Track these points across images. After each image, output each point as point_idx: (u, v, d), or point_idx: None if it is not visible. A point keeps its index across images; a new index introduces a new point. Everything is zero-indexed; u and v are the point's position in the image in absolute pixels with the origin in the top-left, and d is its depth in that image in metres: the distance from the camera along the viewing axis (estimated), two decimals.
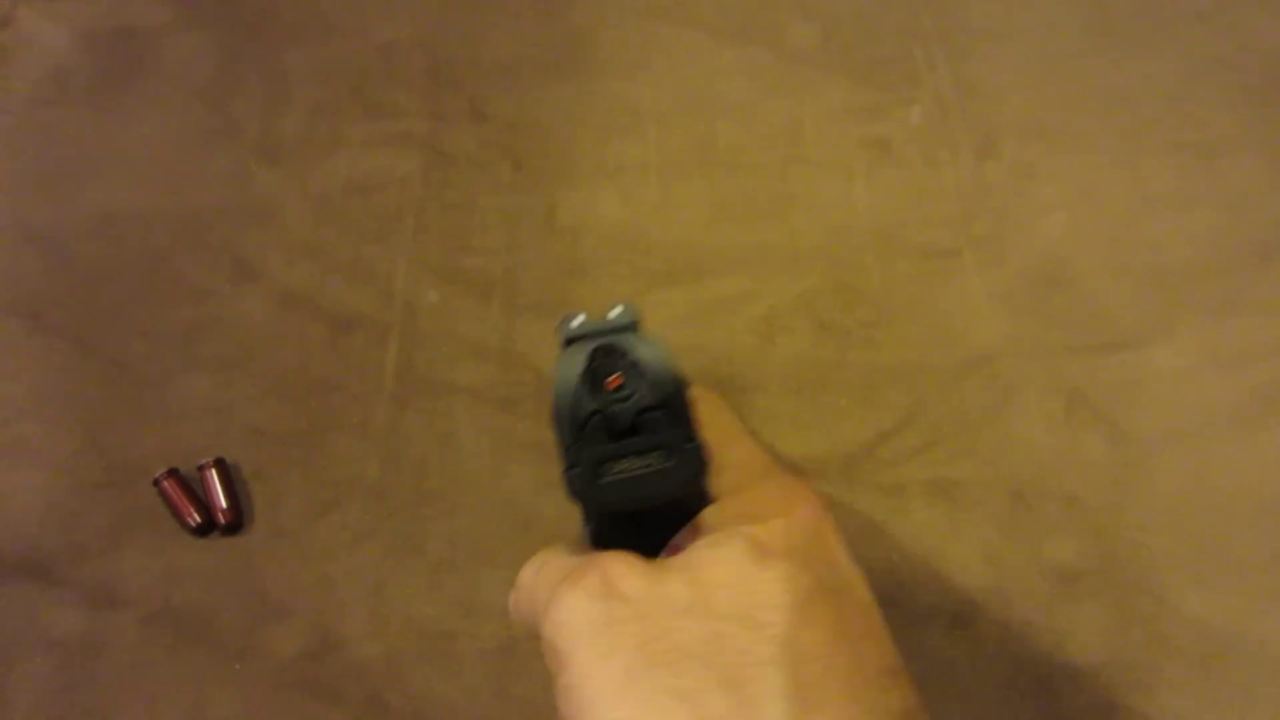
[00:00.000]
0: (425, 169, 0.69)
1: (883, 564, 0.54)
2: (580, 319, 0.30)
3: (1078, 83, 0.71)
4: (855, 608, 0.30)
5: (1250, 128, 0.68)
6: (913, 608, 0.53)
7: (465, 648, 0.53)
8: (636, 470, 0.29)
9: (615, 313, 0.30)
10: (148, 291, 0.65)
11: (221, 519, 0.56)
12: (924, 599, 0.53)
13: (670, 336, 0.33)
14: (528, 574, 0.33)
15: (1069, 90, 0.71)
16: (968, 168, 0.68)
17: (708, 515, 0.31)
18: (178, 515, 0.56)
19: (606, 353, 0.29)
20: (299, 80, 0.74)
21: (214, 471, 0.57)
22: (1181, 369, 0.59)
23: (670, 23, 0.75)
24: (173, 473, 0.57)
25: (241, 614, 0.54)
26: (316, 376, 0.61)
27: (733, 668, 0.25)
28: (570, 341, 0.30)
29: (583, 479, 0.29)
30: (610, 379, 0.29)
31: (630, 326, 0.30)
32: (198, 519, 0.56)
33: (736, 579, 0.27)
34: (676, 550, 0.30)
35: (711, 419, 0.33)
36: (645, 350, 0.29)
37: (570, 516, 0.35)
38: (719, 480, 0.33)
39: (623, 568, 0.28)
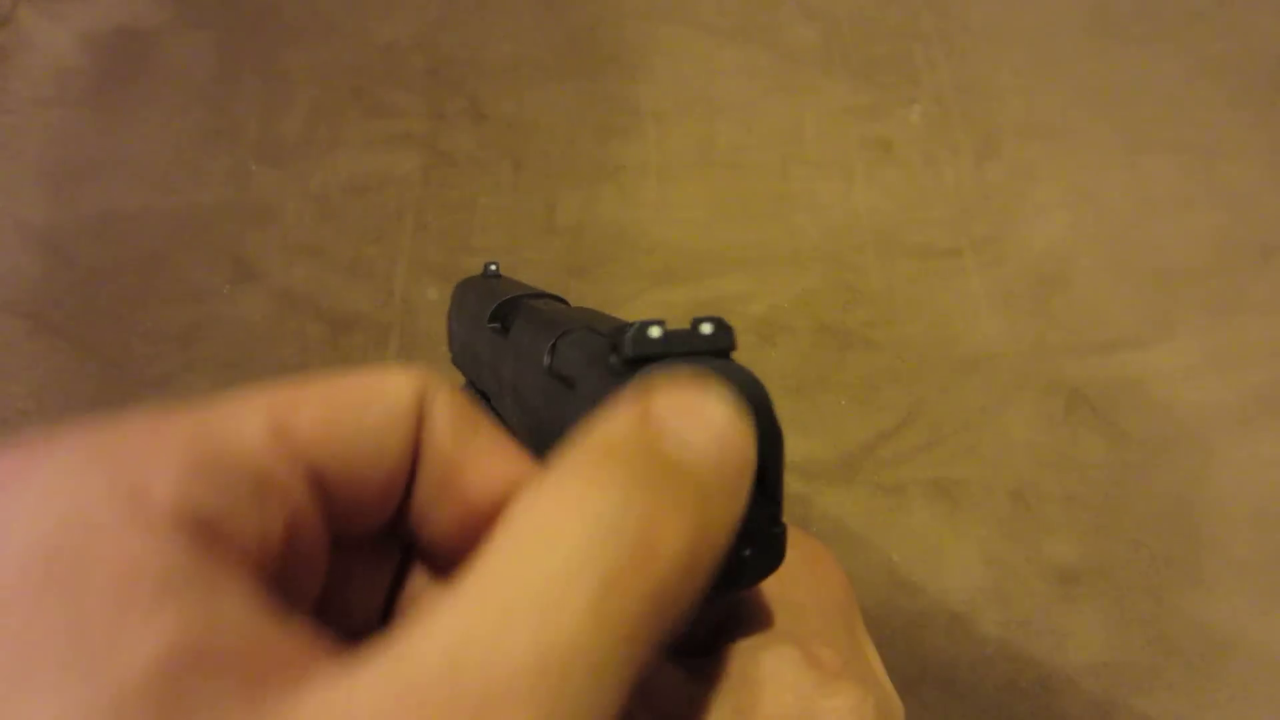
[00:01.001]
0: (425, 169, 0.69)
1: (883, 564, 0.54)
2: (658, 330, 0.19)
3: (1078, 83, 0.71)
4: None
5: (1250, 128, 0.68)
6: (913, 608, 0.53)
7: None
8: None
9: (706, 329, 0.20)
10: (148, 291, 0.65)
11: None
12: (924, 599, 0.53)
13: None
14: None
15: (1069, 90, 0.71)
16: (968, 168, 0.68)
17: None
18: None
19: None
20: (299, 80, 0.74)
21: None
22: (1181, 369, 0.59)
23: (670, 23, 0.75)
24: None
25: None
26: None
27: None
28: (636, 362, 0.19)
29: None
30: None
31: (724, 351, 0.20)
32: None
33: (798, 714, 0.23)
34: (706, 644, 0.26)
35: None
36: (750, 393, 0.19)
37: None
38: None
39: (660, 681, 0.24)
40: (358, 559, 0.18)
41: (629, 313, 0.63)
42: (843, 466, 0.57)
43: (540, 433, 0.25)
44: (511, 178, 0.68)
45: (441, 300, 0.63)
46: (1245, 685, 0.50)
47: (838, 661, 0.24)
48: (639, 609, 0.13)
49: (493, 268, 0.40)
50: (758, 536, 0.20)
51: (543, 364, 0.24)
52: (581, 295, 0.63)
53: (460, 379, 0.40)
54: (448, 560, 0.18)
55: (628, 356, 0.19)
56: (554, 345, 0.23)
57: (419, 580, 0.19)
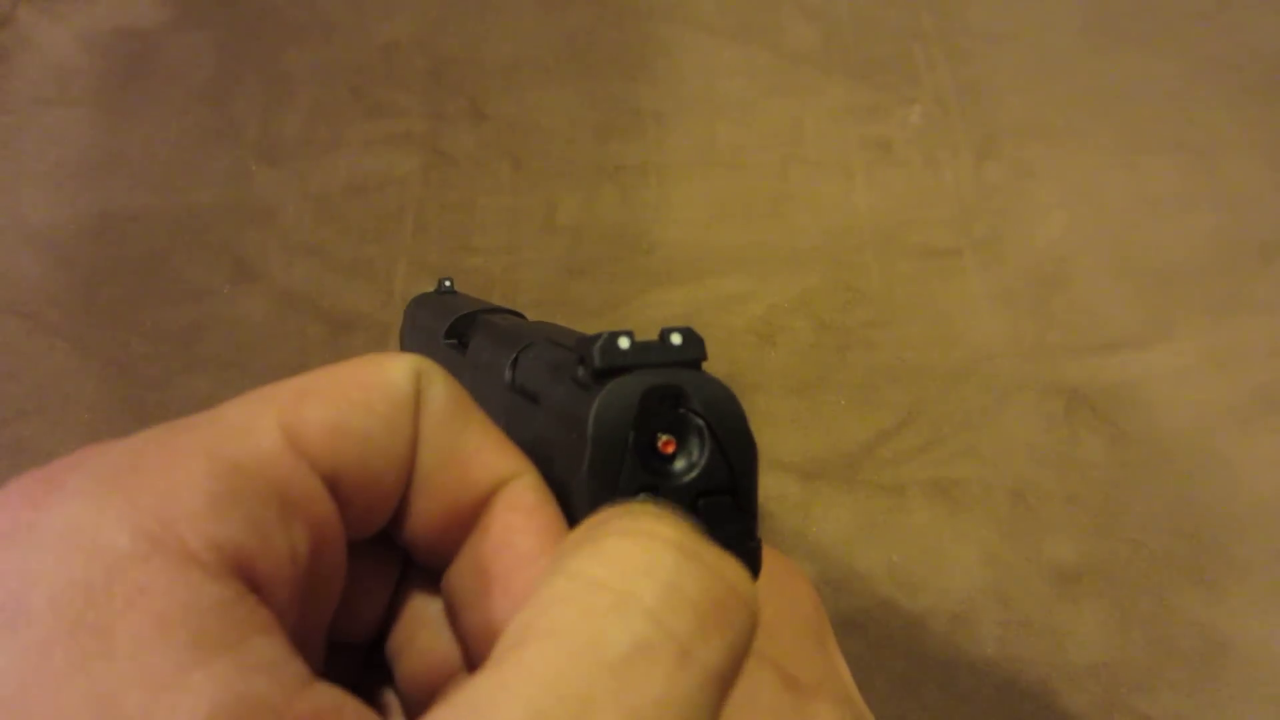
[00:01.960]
0: (425, 169, 0.69)
1: (883, 564, 0.54)
2: (627, 341, 0.19)
3: (1078, 83, 0.71)
4: None
5: (1250, 128, 0.68)
6: (913, 608, 0.53)
7: None
8: None
9: (676, 339, 0.19)
10: (148, 291, 0.65)
11: None
12: (924, 599, 0.53)
13: None
14: None
15: (1069, 90, 0.71)
16: (968, 168, 0.68)
17: None
18: None
19: (669, 401, 0.19)
20: (299, 80, 0.74)
21: None
22: (1181, 369, 0.59)
23: (670, 23, 0.75)
24: None
25: None
26: None
27: None
28: (605, 374, 0.19)
29: None
30: (662, 441, 0.19)
31: (695, 362, 0.20)
32: None
33: None
34: None
35: None
36: (721, 405, 0.19)
37: None
38: None
39: None
40: (364, 560, 0.18)
41: (629, 312, 0.63)
42: (842, 466, 0.57)
43: None
44: (511, 178, 0.68)
45: None
46: (1245, 685, 0.50)
47: (813, 681, 0.24)
48: None
49: (447, 284, 0.40)
50: (735, 553, 0.18)
51: (504, 379, 0.23)
52: (581, 295, 0.63)
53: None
54: (426, 555, 0.18)
55: (596, 368, 0.18)
56: (515, 359, 0.23)
57: (411, 581, 0.19)
